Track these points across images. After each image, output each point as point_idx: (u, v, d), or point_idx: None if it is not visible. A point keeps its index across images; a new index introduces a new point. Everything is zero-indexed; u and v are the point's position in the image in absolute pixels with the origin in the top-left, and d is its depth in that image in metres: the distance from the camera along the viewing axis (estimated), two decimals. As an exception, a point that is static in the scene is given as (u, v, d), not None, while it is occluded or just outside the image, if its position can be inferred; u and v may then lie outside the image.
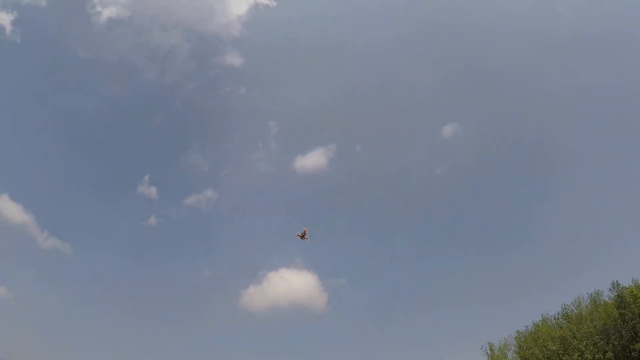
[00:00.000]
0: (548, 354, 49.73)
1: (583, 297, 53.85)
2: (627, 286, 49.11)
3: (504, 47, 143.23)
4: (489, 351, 58.43)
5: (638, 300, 46.55)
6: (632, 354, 45.83)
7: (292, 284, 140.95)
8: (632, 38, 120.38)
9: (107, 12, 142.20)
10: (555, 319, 55.00)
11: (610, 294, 50.92)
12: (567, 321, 52.87)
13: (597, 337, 47.94)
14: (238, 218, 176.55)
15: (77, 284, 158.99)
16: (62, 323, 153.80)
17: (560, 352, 49.16)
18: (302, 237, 59.28)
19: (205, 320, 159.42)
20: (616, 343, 47.46)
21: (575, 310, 53.52)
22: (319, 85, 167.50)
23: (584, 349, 47.67)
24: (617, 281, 50.62)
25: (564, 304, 54.94)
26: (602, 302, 51.19)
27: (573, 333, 49.31)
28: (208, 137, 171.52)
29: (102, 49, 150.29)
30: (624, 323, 47.24)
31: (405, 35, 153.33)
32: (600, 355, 47.02)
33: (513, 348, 56.72)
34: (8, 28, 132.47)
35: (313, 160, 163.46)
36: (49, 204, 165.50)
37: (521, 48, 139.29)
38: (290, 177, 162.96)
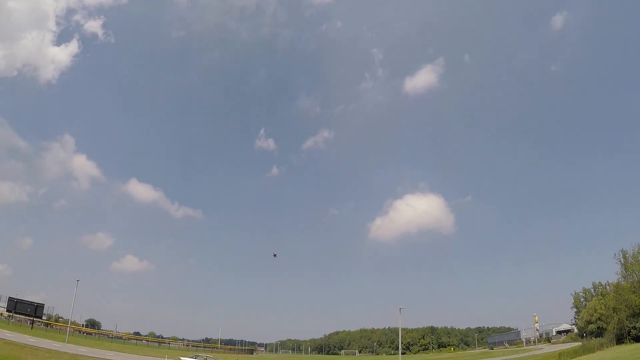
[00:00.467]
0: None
1: None
2: None
3: None
4: (622, 259, 56.76)
5: None
6: None
7: (418, 209, 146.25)
8: None
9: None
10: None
11: None
12: None
13: None
14: (357, 153, 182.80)
15: (213, 245, 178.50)
16: (204, 284, 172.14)
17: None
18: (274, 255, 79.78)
19: (338, 257, 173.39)
20: None
21: None
22: (414, 2, 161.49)
23: None
24: None
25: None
26: None
27: None
28: (314, 78, 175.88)
29: (192, 23, 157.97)
30: None
31: None
32: None
33: (647, 254, 54.39)
34: (100, 32, 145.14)
35: (423, 79, 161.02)
36: (174, 177, 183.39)
37: None
38: (403, 101, 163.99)
